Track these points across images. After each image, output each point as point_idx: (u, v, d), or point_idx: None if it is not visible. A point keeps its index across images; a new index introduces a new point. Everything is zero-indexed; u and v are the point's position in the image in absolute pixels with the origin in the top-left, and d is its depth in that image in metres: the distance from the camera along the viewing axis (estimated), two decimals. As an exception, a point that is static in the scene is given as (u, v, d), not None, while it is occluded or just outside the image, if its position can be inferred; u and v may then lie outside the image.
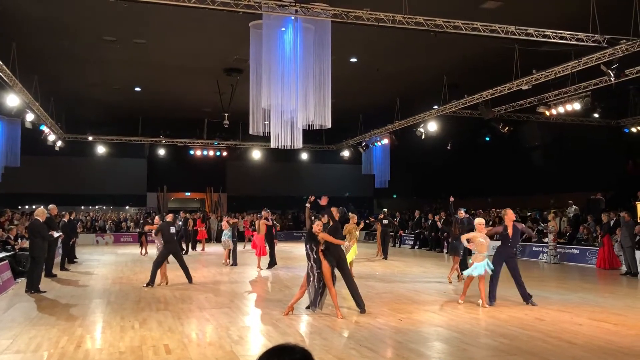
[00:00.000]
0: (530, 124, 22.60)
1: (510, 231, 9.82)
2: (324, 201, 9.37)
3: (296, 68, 12.35)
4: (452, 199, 13.62)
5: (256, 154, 29.63)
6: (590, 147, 22.82)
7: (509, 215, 10.02)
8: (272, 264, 15.68)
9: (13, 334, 7.47)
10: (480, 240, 9.64)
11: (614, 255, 15.99)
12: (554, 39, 12.64)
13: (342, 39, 13.69)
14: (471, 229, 12.53)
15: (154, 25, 14.62)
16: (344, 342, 7.12)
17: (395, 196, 27.03)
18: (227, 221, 16.93)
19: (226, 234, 16.71)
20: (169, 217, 12.70)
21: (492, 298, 9.70)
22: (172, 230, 12.44)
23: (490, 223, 18.79)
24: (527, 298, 9.76)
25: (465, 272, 9.87)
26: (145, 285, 11.95)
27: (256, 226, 16.12)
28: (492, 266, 9.61)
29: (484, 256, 9.58)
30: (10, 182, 23.76)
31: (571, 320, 8.42)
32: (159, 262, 12.17)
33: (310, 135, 21.20)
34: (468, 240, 9.96)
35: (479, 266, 9.53)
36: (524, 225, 11.22)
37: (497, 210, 22.91)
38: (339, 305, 8.71)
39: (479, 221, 9.97)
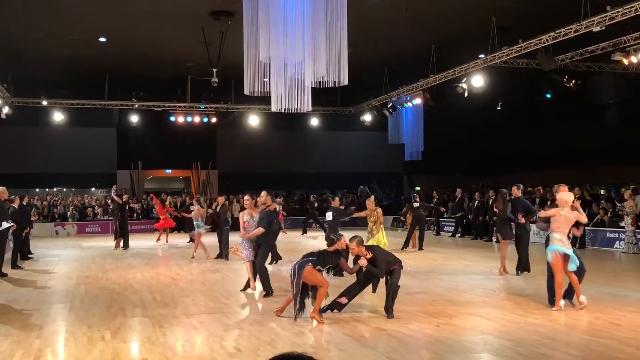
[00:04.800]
0: (604, 75, 22.32)
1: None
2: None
3: (302, 9, 12.23)
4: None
5: (253, 120, 29.61)
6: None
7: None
8: (274, 258, 15.70)
9: (-45, 348, 7.61)
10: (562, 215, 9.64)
11: None
12: (634, -35, 12.41)
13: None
14: (527, 209, 12.68)
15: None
16: (368, 353, 7.16)
17: (421, 159, 25.83)
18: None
19: (198, 224, 17.46)
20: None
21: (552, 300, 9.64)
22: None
23: (549, 203, 18.68)
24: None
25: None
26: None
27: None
28: (576, 262, 9.52)
29: (557, 238, 9.51)
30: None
31: (655, 325, 8.40)
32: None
33: (322, 95, 21.09)
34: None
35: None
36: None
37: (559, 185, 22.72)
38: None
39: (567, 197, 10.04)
